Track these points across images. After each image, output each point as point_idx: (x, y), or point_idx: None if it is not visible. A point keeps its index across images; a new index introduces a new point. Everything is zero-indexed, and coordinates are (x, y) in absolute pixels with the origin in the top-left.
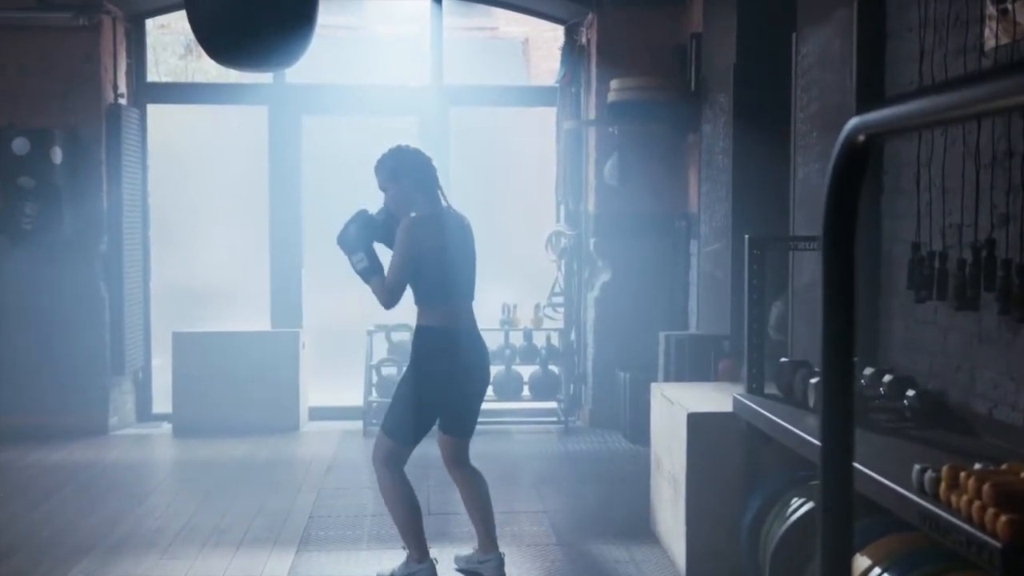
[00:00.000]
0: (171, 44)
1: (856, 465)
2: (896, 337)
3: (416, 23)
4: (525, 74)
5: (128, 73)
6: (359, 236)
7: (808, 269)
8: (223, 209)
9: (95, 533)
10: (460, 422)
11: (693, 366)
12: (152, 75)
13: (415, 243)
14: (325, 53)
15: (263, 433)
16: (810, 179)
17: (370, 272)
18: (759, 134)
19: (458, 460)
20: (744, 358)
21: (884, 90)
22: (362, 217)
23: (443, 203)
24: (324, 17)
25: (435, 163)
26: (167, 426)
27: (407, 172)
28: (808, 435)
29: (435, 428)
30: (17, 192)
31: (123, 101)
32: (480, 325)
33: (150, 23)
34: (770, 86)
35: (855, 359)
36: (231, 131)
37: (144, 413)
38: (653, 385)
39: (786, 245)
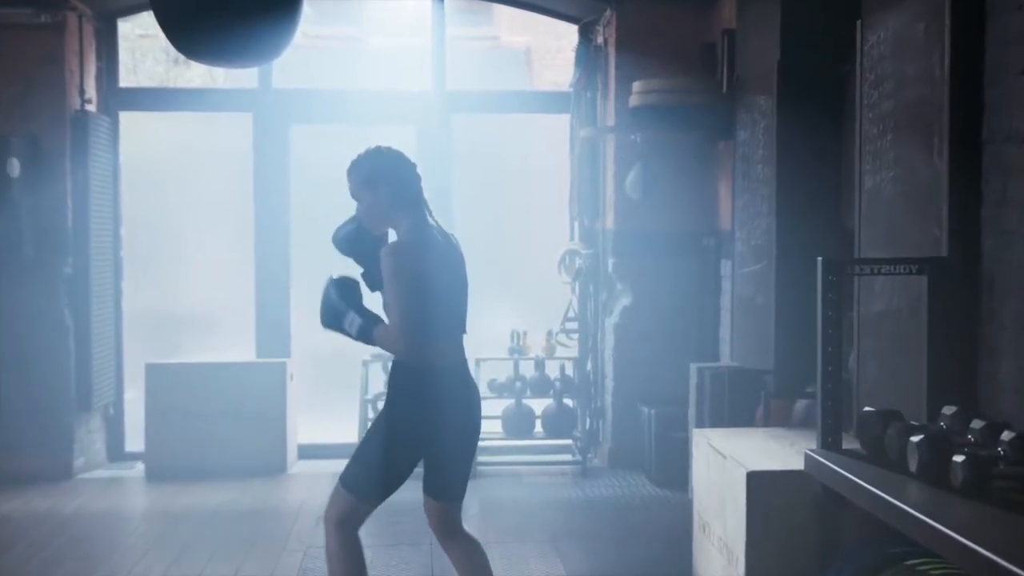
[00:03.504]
0: (151, 50)
1: (995, 559)
2: (1005, 381)
3: (415, 34)
4: (528, 85)
5: (98, 77)
6: (340, 298)
7: (881, 296)
8: (204, 227)
9: None
10: (447, 481)
11: (733, 404)
12: (132, 84)
13: (404, 269)
14: (318, 64)
15: (246, 475)
16: (882, 189)
17: (369, 327)
18: (808, 139)
19: (448, 529)
20: (818, 407)
21: (984, 79)
22: (336, 283)
23: (429, 220)
24: (318, 27)
25: (420, 171)
26: (140, 466)
27: (386, 179)
28: (913, 509)
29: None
30: None
31: (91, 107)
32: (487, 354)
33: (129, 29)
34: (822, 84)
35: (956, 409)
36: (212, 141)
37: (116, 452)
38: (696, 432)
39: (871, 269)
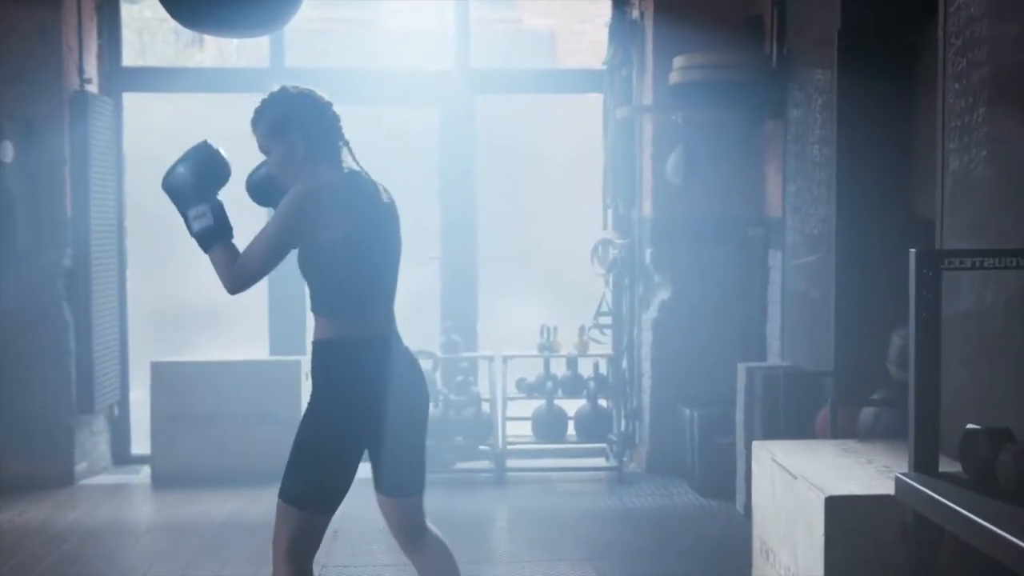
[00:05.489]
0: (161, 31)
1: None
2: None
3: (434, 17)
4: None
5: (99, 56)
6: (201, 180)
7: (969, 292)
8: None
9: None
10: (400, 472)
11: (789, 409)
12: (139, 63)
13: (306, 220)
14: (334, 46)
15: (258, 482)
16: (972, 171)
17: (213, 235)
18: (873, 117)
19: (411, 530)
20: (911, 426)
21: None
22: (204, 152)
23: (353, 167)
24: (332, 10)
25: (336, 111)
26: (147, 471)
27: (298, 123)
28: None
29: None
30: None
31: (92, 88)
32: (515, 351)
33: (138, 10)
34: (889, 55)
35: None
36: (222, 124)
37: (121, 455)
38: (756, 445)
39: (971, 262)
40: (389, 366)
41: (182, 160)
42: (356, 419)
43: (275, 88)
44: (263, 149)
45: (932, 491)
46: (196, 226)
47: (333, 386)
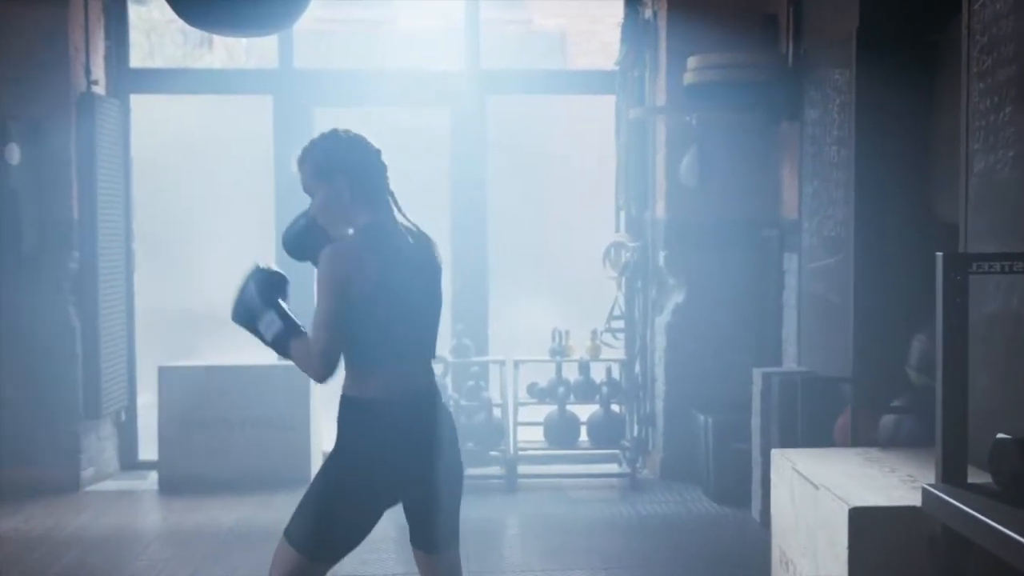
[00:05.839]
0: (169, 32)
1: None
2: None
3: (445, 17)
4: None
5: (106, 57)
6: (262, 293)
7: (996, 296)
8: (222, 217)
9: None
10: (431, 529)
11: (807, 416)
12: (146, 64)
13: (344, 278)
14: (344, 47)
15: (266, 488)
16: (997, 172)
17: (287, 335)
18: (892, 117)
19: None
20: (938, 435)
21: None
22: (258, 274)
23: (394, 218)
24: (341, 10)
25: (384, 158)
26: (154, 476)
27: (344, 168)
28: None
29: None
30: None
31: (99, 89)
32: (526, 356)
33: (146, 12)
34: (909, 54)
35: None
36: (230, 126)
37: (129, 460)
38: (776, 453)
39: (1000, 266)
40: (412, 429)
41: (241, 289)
42: (368, 483)
43: (326, 130)
44: (307, 190)
45: (961, 503)
46: (268, 335)
47: (349, 445)
